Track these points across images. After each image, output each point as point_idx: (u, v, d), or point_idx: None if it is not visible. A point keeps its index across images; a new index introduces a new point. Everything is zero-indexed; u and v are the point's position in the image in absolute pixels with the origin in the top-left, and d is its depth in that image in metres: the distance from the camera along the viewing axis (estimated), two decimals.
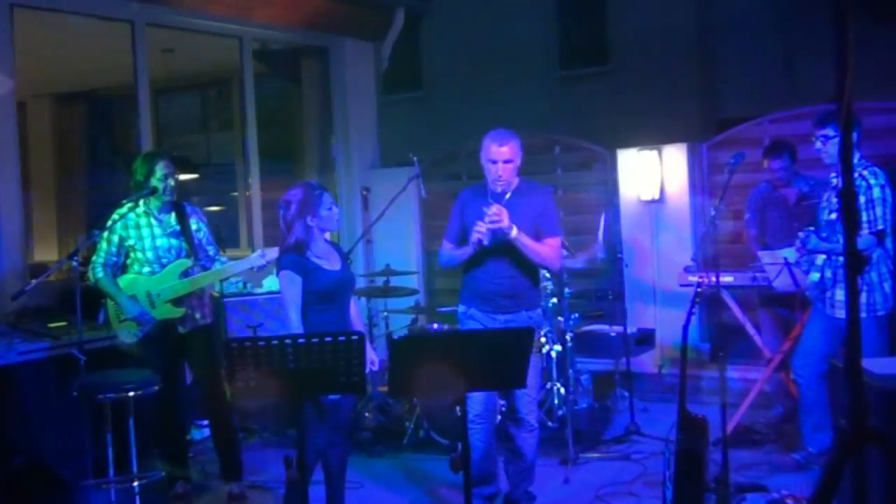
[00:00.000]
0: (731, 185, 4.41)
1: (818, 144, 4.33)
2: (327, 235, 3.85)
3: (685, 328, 3.88)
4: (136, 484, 4.28)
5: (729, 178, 4.34)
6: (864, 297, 4.16)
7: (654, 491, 4.22)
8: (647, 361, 6.63)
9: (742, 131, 6.56)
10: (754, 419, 5.27)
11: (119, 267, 4.56)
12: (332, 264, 3.76)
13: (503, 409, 5.14)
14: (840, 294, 4.23)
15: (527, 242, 3.89)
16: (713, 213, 4.23)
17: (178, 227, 4.58)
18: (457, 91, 12.58)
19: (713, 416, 3.89)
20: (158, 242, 4.53)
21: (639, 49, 11.43)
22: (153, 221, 4.54)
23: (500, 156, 3.92)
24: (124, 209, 4.50)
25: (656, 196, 6.67)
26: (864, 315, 4.12)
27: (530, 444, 4.12)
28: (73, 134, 9.69)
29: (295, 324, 3.63)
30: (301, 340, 2.92)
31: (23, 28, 5.68)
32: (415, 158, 5.86)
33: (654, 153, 6.67)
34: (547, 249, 3.98)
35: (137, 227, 4.51)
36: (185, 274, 4.53)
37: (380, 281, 5.86)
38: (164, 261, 4.53)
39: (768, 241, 5.23)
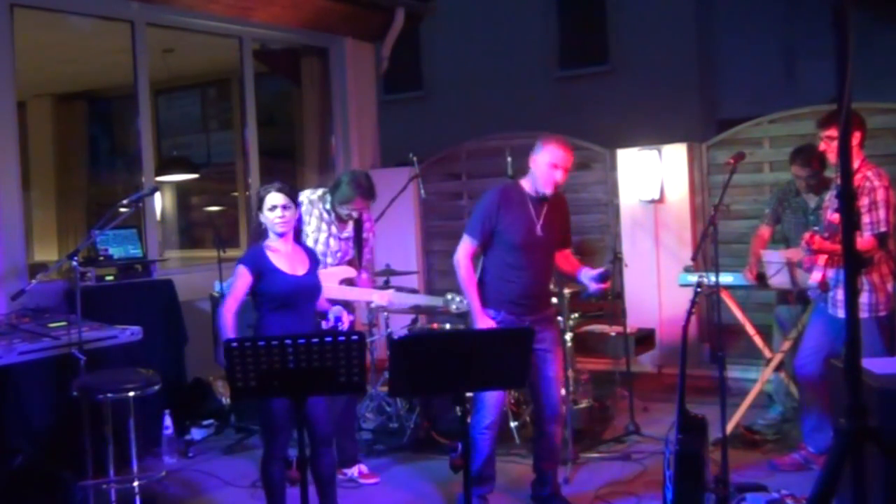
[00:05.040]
0: (731, 185, 4.41)
1: (822, 145, 4.33)
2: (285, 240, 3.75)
3: (685, 328, 3.88)
4: (136, 484, 4.28)
5: (729, 178, 4.34)
6: (865, 298, 4.16)
7: (654, 491, 4.22)
8: (647, 361, 6.63)
9: (742, 131, 6.57)
10: (754, 419, 5.27)
11: None
12: (297, 269, 3.72)
13: (505, 409, 5.16)
14: (841, 294, 4.23)
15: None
16: (713, 212, 4.23)
17: (351, 235, 4.68)
18: (457, 91, 12.59)
19: (713, 416, 3.89)
20: (331, 241, 4.61)
21: (639, 49, 11.44)
22: (333, 220, 4.61)
23: (565, 162, 4.01)
24: (315, 196, 4.62)
25: (656, 196, 6.67)
26: (865, 315, 4.12)
27: (561, 438, 4.24)
28: (73, 134, 9.70)
29: (225, 308, 3.63)
30: (301, 340, 2.91)
31: (23, 28, 5.68)
32: (415, 158, 5.85)
33: (654, 153, 6.67)
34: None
35: (320, 217, 4.59)
36: (347, 282, 4.59)
37: (380, 281, 5.85)
38: (330, 260, 4.59)
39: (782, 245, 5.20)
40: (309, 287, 3.75)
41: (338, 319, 3.84)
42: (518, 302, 4.06)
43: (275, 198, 3.67)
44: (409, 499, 4.56)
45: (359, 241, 4.69)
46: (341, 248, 4.64)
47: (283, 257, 3.70)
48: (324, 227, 4.59)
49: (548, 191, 4.03)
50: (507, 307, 4.06)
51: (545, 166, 3.99)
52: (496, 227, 4.04)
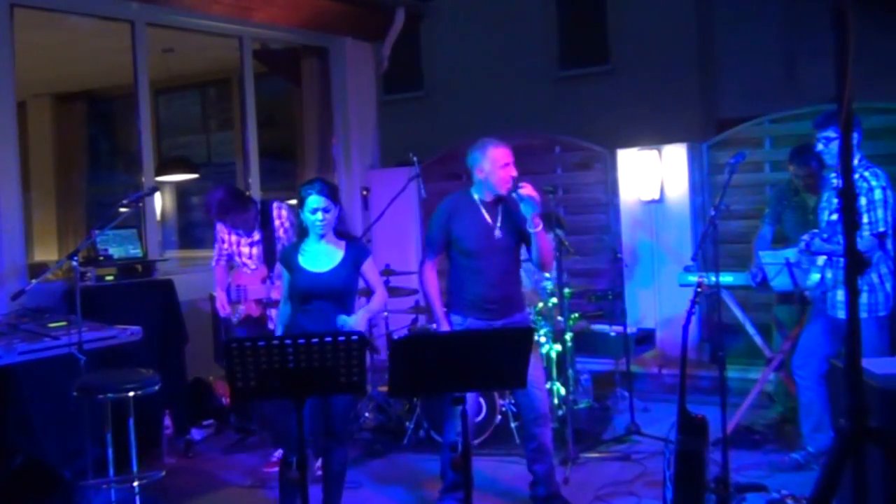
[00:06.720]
0: (731, 185, 4.41)
1: (820, 146, 4.33)
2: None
3: (685, 328, 3.88)
4: (136, 484, 4.28)
5: (729, 178, 4.34)
6: (865, 298, 4.15)
7: (654, 491, 4.23)
8: (648, 361, 6.63)
9: (742, 131, 6.57)
10: (754, 419, 5.27)
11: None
12: (320, 266, 3.77)
13: (505, 409, 5.16)
14: (841, 294, 4.23)
15: (543, 238, 4.02)
16: (713, 212, 4.23)
17: (257, 238, 5.12)
18: (457, 91, 12.59)
19: (713, 416, 3.89)
20: (242, 249, 5.18)
21: (639, 49, 11.44)
22: (240, 231, 5.13)
23: (509, 157, 4.05)
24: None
25: (656, 196, 6.67)
26: (865, 315, 4.12)
27: (550, 438, 4.18)
28: (73, 134, 9.70)
29: (279, 312, 3.96)
30: (301, 340, 2.91)
31: (23, 28, 5.68)
32: (415, 158, 5.85)
33: (654, 153, 6.67)
34: (550, 246, 4.12)
35: (228, 233, 5.18)
36: (265, 280, 5.04)
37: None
38: (252, 266, 5.16)
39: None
40: (325, 285, 3.75)
41: (341, 327, 3.72)
42: (484, 307, 4.07)
43: (316, 201, 3.72)
44: (407, 499, 4.56)
45: (268, 241, 5.05)
46: (252, 253, 5.15)
47: (315, 255, 3.79)
48: (233, 239, 5.17)
49: (504, 190, 4.05)
50: (475, 312, 4.08)
51: (498, 170, 4.04)
52: (450, 237, 4.09)
